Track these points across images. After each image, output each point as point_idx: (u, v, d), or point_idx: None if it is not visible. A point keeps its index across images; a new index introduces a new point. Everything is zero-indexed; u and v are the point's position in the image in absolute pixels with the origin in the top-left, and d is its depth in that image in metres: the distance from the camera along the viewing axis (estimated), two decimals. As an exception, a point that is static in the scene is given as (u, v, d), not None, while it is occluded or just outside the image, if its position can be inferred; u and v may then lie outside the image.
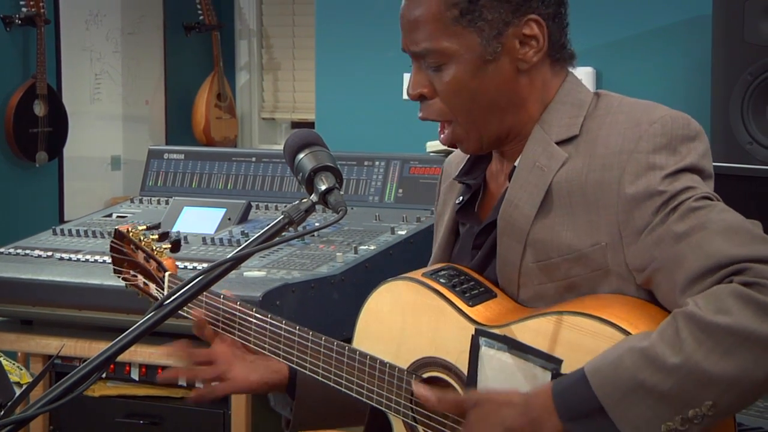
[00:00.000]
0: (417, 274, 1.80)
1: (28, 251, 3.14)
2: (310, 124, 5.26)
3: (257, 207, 3.27)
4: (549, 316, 1.63)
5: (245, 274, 2.79)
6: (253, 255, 1.95)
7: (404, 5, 1.74)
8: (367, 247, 2.92)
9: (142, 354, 2.85)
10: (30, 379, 3.01)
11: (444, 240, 1.88)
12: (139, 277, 2.06)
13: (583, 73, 3.32)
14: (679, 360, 1.46)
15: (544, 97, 1.75)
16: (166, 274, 2.02)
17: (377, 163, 3.22)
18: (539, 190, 1.69)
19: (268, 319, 1.92)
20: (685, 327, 1.47)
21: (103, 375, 1.67)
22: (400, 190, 3.16)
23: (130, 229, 2.05)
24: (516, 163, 1.75)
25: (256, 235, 1.70)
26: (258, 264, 2.87)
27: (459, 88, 1.71)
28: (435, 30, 1.70)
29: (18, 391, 2.62)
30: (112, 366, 2.91)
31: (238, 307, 1.96)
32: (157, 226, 3.21)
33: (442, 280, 1.76)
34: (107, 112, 5.52)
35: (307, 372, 1.88)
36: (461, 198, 1.84)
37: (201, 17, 5.81)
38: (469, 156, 1.84)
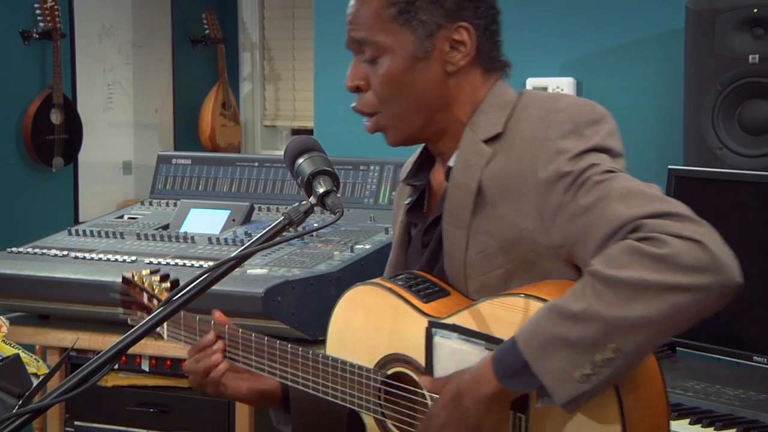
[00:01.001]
0: (377, 279, 1.82)
1: (45, 250, 3.14)
2: (309, 131, 5.26)
3: (260, 209, 3.26)
4: (490, 300, 1.65)
5: (248, 271, 2.79)
6: (256, 254, 1.95)
7: (351, 2, 1.78)
8: (362, 246, 2.92)
9: (152, 346, 2.85)
10: (47, 371, 3.01)
11: (399, 240, 1.91)
12: (145, 316, 2.08)
13: (565, 83, 3.32)
14: (581, 309, 1.49)
15: (474, 100, 1.77)
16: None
17: (372, 167, 3.22)
18: (472, 187, 1.71)
19: (247, 335, 1.93)
20: (588, 283, 1.51)
21: (116, 366, 1.67)
22: (394, 193, 3.16)
23: (134, 274, 2.07)
24: (451, 164, 1.77)
25: (259, 235, 1.70)
26: (260, 262, 2.87)
27: (390, 81, 1.74)
28: (374, 24, 1.73)
29: (35, 382, 2.61)
30: (123, 358, 2.91)
31: (203, 317, 1.99)
32: (165, 226, 3.22)
33: (399, 282, 1.78)
34: (119, 120, 5.51)
35: (287, 381, 1.89)
36: (409, 199, 1.86)
37: (207, 31, 5.80)
38: (415, 160, 1.87)
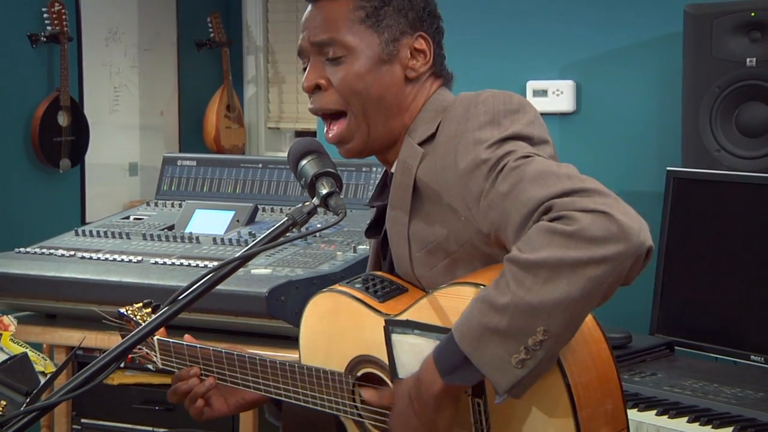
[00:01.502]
0: (336, 285, 1.84)
1: (52, 250, 3.14)
2: (312, 133, 5.26)
3: (264, 209, 3.27)
4: (438, 292, 1.67)
5: (252, 271, 2.79)
6: (260, 254, 1.95)
7: (314, 3, 1.79)
8: (365, 246, 2.92)
9: (157, 345, 2.85)
10: (54, 369, 3.01)
11: (372, 262, 1.94)
12: (144, 349, 2.12)
13: (565, 86, 3.32)
14: (507, 300, 1.50)
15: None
16: (155, 338, 2.07)
17: (374, 168, 3.22)
18: (408, 188, 1.74)
19: (221, 352, 1.95)
20: (509, 270, 1.51)
21: (122, 365, 1.67)
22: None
23: (127, 309, 2.09)
24: (392, 170, 1.80)
25: (263, 236, 1.70)
26: (264, 262, 2.87)
27: (356, 80, 1.75)
28: (342, 26, 1.76)
29: (43, 380, 2.61)
30: (129, 356, 2.91)
31: (190, 344, 2.01)
32: (171, 226, 3.22)
33: (357, 286, 1.80)
34: (125, 122, 5.51)
35: (262, 392, 1.90)
36: (369, 221, 1.89)
37: (212, 35, 5.81)
38: (378, 183, 1.89)
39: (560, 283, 1.47)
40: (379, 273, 1.83)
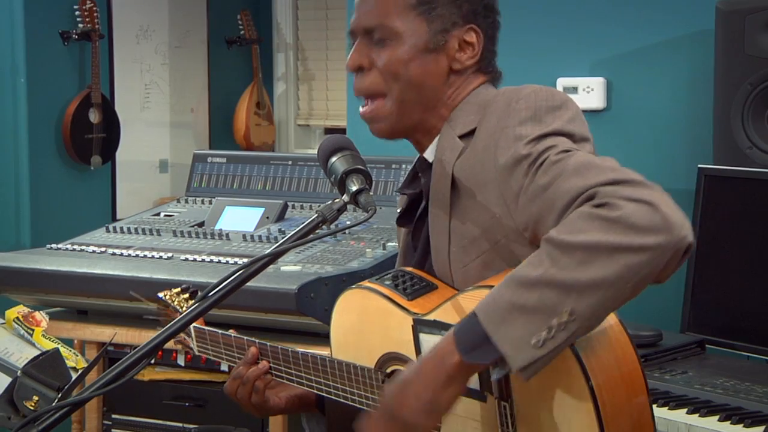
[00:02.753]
0: (366, 281, 1.83)
1: (83, 247, 3.16)
2: (342, 130, 5.26)
3: (293, 206, 3.27)
4: (466, 293, 1.67)
5: (282, 268, 2.80)
6: (290, 251, 1.95)
7: None
8: (394, 243, 2.92)
9: (187, 342, 2.86)
10: (85, 365, 3.03)
11: (402, 251, 1.93)
12: (184, 335, 2.14)
13: (595, 83, 3.30)
14: (538, 274, 1.48)
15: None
16: (192, 325, 2.06)
17: (404, 166, 3.22)
18: (447, 182, 1.73)
19: (255, 342, 1.97)
20: (544, 249, 1.50)
21: (152, 361, 1.68)
22: (425, 191, 3.16)
23: (165, 293, 2.10)
24: (426, 156, 1.80)
25: (292, 233, 1.71)
26: (294, 259, 2.87)
27: (398, 64, 1.75)
28: (393, 11, 1.75)
29: (74, 376, 2.63)
30: (160, 353, 2.92)
31: (225, 333, 2.02)
32: (201, 223, 3.24)
33: (386, 283, 1.79)
34: (156, 119, 5.54)
35: (294, 383, 1.91)
36: (401, 209, 1.89)
37: (242, 32, 5.82)
38: (410, 170, 1.88)
39: (595, 266, 1.45)
40: (409, 269, 1.83)
